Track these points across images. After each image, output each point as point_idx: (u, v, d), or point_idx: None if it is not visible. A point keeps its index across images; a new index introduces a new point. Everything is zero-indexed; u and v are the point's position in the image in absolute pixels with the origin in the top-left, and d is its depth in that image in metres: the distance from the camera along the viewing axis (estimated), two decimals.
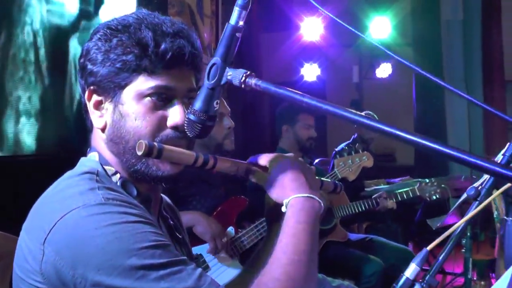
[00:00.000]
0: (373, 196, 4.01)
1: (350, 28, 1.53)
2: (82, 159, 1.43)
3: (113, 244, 1.13)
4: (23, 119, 2.95)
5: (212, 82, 1.25)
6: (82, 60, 1.38)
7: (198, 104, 1.27)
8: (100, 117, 1.38)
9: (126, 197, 1.28)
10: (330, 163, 4.05)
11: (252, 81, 1.19)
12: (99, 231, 1.14)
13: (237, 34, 1.26)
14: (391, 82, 8.22)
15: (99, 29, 1.37)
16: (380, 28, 7.21)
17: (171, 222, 1.59)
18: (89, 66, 1.35)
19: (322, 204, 1.34)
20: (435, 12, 7.67)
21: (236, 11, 1.25)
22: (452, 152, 0.88)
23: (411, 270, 1.22)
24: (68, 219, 1.18)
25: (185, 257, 1.20)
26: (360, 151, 3.76)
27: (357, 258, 3.76)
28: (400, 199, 4.05)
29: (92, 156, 1.41)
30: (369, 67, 8.59)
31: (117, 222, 1.16)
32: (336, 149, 4.63)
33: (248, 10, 1.26)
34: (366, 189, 5.09)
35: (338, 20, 1.52)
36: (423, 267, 1.22)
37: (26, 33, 2.95)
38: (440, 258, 1.32)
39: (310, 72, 8.18)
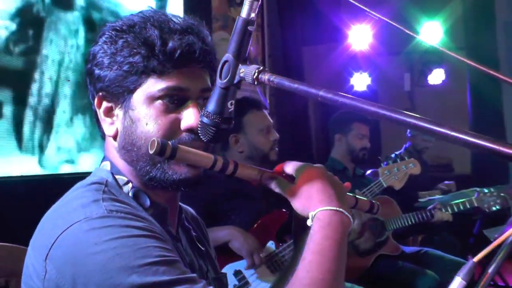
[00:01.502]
0: (428, 208, 3.80)
1: (403, 28, 1.37)
2: (95, 169, 1.36)
3: (113, 261, 1.04)
4: None
5: (225, 81, 1.15)
6: (89, 66, 1.30)
7: (211, 106, 1.17)
8: (111, 124, 1.30)
9: (131, 209, 1.18)
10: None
11: (265, 77, 1.08)
12: (100, 247, 1.06)
13: (250, 28, 1.15)
14: (444, 88, 7.93)
15: (105, 31, 1.30)
16: (431, 33, 7.00)
17: (194, 234, 1.49)
18: (96, 71, 1.28)
19: (351, 220, 1.21)
20: (490, 13, 7.36)
21: (247, 2, 1.14)
22: None
23: (456, 285, 1.07)
24: (69, 234, 1.10)
25: (194, 275, 1.10)
26: (406, 158, 3.57)
27: (410, 272, 3.56)
28: (456, 210, 3.80)
29: (104, 165, 1.34)
30: (420, 74, 8.33)
31: (119, 237, 1.07)
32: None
33: (260, 1, 1.14)
34: (420, 199, 4.88)
35: (390, 22, 1.36)
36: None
37: None
38: (490, 270, 1.16)
39: (360, 81, 8.00)
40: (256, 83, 1.10)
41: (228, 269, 2.70)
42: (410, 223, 3.70)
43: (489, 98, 6.95)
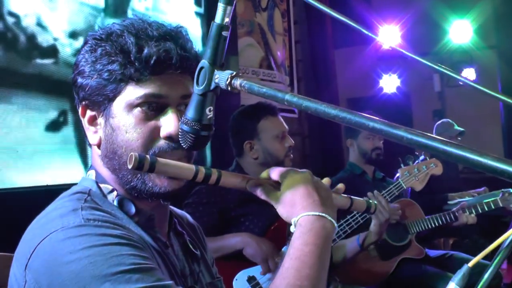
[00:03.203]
0: (451, 210, 3.71)
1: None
2: (81, 178, 1.37)
3: (87, 270, 1.05)
4: None
5: (201, 87, 1.14)
6: (73, 75, 1.32)
7: (190, 113, 1.17)
8: (95, 133, 1.32)
9: (110, 217, 1.19)
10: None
11: (237, 82, 1.07)
12: (74, 256, 1.06)
13: (224, 33, 1.14)
14: (475, 88, 7.78)
15: (87, 40, 1.31)
16: (461, 32, 6.89)
17: (188, 238, 1.49)
18: (79, 80, 1.29)
19: (335, 225, 1.20)
20: None
21: (220, 7, 1.13)
22: None
23: None
24: (46, 243, 1.11)
25: (170, 282, 1.10)
26: (428, 158, 3.49)
27: (433, 276, 3.50)
28: (480, 211, 3.69)
29: (90, 175, 1.35)
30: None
31: (93, 245, 1.07)
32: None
33: (234, 5, 1.14)
34: (449, 202, 4.78)
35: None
36: None
37: None
38: (486, 275, 1.13)
39: (390, 83, 7.92)
40: (229, 88, 1.09)
41: (242, 275, 2.69)
42: (433, 225, 3.62)
43: None
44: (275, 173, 1.29)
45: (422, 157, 3.77)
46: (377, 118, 0.85)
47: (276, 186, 1.27)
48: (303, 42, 6.11)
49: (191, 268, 1.43)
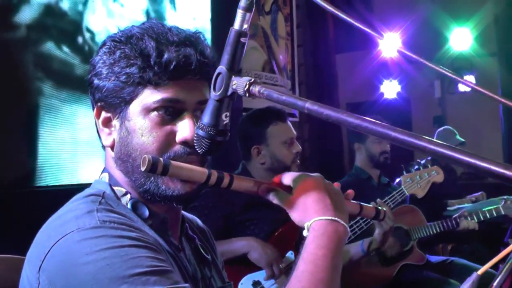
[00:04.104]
0: (453, 216, 3.73)
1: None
2: (94, 181, 1.37)
3: (104, 272, 1.05)
4: None
5: (218, 93, 1.15)
6: (89, 76, 1.32)
7: (206, 118, 1.18)
8: (109, 135, 1.32)
9: (126, 219, 1.19)
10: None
11: (256, 89, 1.08)
12: (90, 257, 1.07)
13: (242, 39, 1.15)
14: (475, 95, 7.82)
15: (105, 42, 1.32)
16: (461, 39, 6.92)
17: (199, 243, 1.50)
18: (96, 81, 1.30)
19: (347, 229, 1.21)
20: None
21: (239, 14, 1.14)
22: None
23: None
24: (61, 244, 1.11)
25: (186, 285, 1.10)
26: (429, 166, 3.51)
27: (434, 282, 3.51)
28: (482, 218, 3.72)
29: (103, 177, 1.35)
30: (451, 81, 8.23)
31: (110, 247, 1.08)
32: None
33: (253, 12, 1.15)
34: (449, 208, 4.79)
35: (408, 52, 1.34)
36: None
37: None
38: (495, 284, 1.13)
39: (390, 89, 7.94)
40: (247, 95, 1.10)
41: (247, 280, 2.69)
42: (435, 231, 3.64)
43: None
44: (287, 177, 1.29)
45: (423, 161, 3.80)
46: (399, 129, 0.86)
47: (288, 190, 1.28)
48: (305, 46, 6.12)
49: (203, 272, 1.44)
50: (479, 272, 1.13)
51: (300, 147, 3.07)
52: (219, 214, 2.78)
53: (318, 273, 1.11)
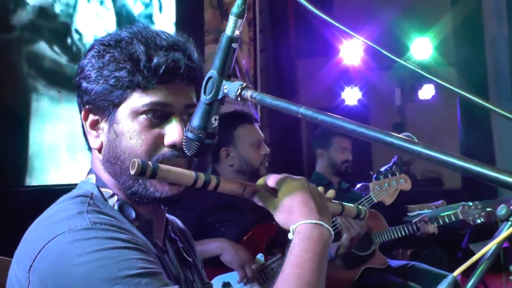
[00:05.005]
0: (413, 221, 3.82)
1: (388, 54, 1.39)
2: (80, 182, 1.37)
3: (96, 273, 1.06)
4: None
5: (209, 97, 1.18)
6: (77, 78, 1.33)
7: (195, 121, 1.20)
8: (97, 137, 1.33)
9: (116, 221, 1.21)
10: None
11: (248, 94, 1.11)
12: (83, 259, 1.08)
13: (234, 45, 1.18)
14: (434, 104, 8.01)
15: (94, 45, 1.32)
16: (421, 49, 7.08)
17: (180, 245, 1.51)
18: (84, 84, 1.30)
19: (331, 232, 1.24)
20: (479, 30, 7.45)
21: (231, 20, 1.17)
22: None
23: None
24: (52, 245, 1.12)
25: (176, 286, 1.12)
26: (398, 174, 3.59)
27: (396, 286, 3.57)
28: (442, 223, 3.82)
29: (90, 178, 1.35)
30: (411, 89, 8.40)
31: (102, 249, 1.09)
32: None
33: (244, 18, 1.18)
34: (409, 213, 4.89)
35: (376, 47, 1.38)
36: None
37: None
38: (469, 285, 1.18)
39: (351, 96, 8.06)
40: (239, 99, 1.13)
41: (217, 281, 2.71)
42: (396, 236, 3.72)
43: (479, 113, 7.01)
44: (271, 180, 1.31)
45: (383, 170, 3.88)
46: (395, 134, 0.90)
47: (272, 193, 1.30)
48: (267, 51, 6.17)
49: (185, 275, 1.45)
50: (455, 273, 1.16)
51: (268, 150, 3.11)
52: (191, 215, 2.79)
53: (304, 276, 1.14)
